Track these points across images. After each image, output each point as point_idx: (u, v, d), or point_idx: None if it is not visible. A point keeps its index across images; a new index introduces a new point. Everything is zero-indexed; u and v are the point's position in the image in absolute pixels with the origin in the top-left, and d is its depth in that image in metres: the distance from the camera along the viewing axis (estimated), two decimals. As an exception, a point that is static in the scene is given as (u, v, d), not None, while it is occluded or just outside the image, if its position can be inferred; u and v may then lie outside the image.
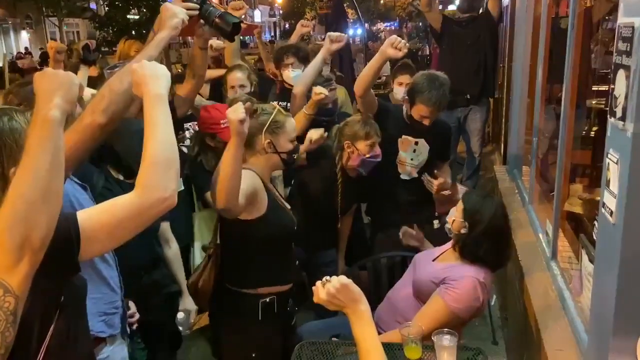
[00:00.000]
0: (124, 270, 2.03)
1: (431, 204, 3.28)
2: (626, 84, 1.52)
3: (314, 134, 2.92)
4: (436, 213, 3.29)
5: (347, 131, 2.97)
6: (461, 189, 3.44)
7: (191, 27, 2.28)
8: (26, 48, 23.69)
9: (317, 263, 3.08)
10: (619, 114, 1.57)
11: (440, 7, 9.50)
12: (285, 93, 3.45)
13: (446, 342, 1.84)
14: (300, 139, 2.80)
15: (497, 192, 4.63)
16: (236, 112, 1.96)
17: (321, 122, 3.25)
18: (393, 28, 24.11)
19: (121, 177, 2.39)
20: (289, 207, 2.49)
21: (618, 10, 1.62)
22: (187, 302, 2.66)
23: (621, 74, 1.56)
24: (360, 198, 3.40)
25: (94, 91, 1.89)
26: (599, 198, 1.81)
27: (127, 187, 1.37)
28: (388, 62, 4.15)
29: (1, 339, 1.10)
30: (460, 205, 2.40)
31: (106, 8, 17.15)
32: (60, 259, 1.21)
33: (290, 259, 2.50)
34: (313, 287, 1.62)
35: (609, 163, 1.66)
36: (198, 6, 2.18)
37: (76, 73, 3.13)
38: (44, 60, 13.54)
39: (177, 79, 3.03)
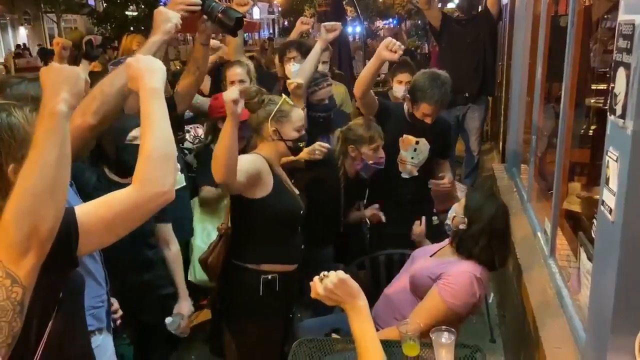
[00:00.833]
0: (107, 269, 2.03)
1: (431, 202, 3.29)
2: (626, 82, 1.51)
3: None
4: (435, 210, 3.30)
5: (351, 136, 3.00)
6: (459, 187, 3.45)
7: (194, 23, 2.26)
8: (24, 44, 23.65)
9: (315, 259, 3.07)
10: (619, 111, 1.56)
11: (440, 4, 9.49)
12: (288, 90, 3.44)
13: (444, 340, 1.84)
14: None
15: (495, 191, 4.63)
16: (231, 93, 2.11)
17: (317, 117, 3.25)
18: (392, 26, 24.03)
19: (116, 178, 2.35)
20: (297, 192, 2.57)
21: (618, 8, 1.62)
22: (183, 306, 2.58)
23: (621, 71, 1.55)
24: (360, 196, 3.40)
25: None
26: (597, 196, 1.81)
27: (120, 188, 1.34)
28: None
29: (9, 328, 1.11)
30: (462, 202, 2.42)
31: (104, 4, 17.11)
32: (59, 253, 1.21)
33: (296, 242, 2.57)
34: (311, 283, 1.63)
35: (608, 161, 1.66)
36: (200, 1, 2.18)
37: (73, 64, 3.11)
38: (42, 56, 13.49)
39: (175, 77, 3.03)
